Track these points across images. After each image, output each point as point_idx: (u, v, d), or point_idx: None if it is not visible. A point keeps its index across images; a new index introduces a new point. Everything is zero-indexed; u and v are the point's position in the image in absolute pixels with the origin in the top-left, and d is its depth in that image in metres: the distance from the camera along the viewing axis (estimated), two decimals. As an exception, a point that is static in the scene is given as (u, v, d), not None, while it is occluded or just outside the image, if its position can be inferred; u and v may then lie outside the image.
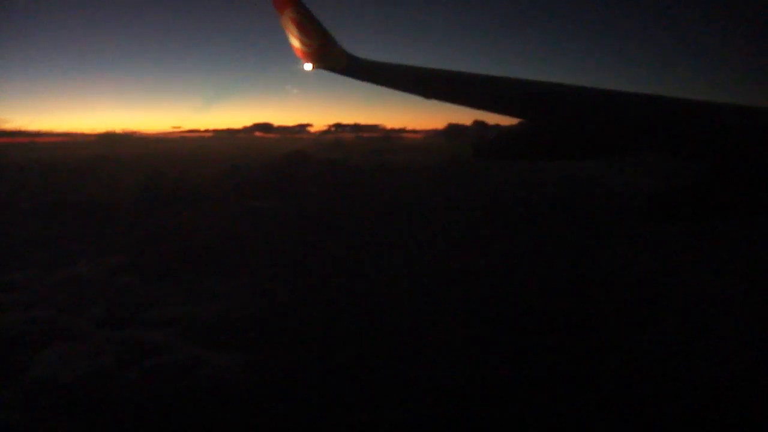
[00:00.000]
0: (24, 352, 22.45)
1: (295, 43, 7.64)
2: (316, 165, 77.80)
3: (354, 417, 17.73)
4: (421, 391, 19.06)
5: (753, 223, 4.20)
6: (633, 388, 18.92)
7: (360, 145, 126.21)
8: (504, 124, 6.10)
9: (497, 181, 56.79)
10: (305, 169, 73.85)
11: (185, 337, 23.93)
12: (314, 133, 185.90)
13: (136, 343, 23.32)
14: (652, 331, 22.85)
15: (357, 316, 25.63)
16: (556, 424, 17.45)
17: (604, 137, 5.35)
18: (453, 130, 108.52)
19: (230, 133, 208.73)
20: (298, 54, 7.71)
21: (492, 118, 6.11)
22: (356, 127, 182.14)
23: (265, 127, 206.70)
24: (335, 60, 7.47)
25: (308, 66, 7.67)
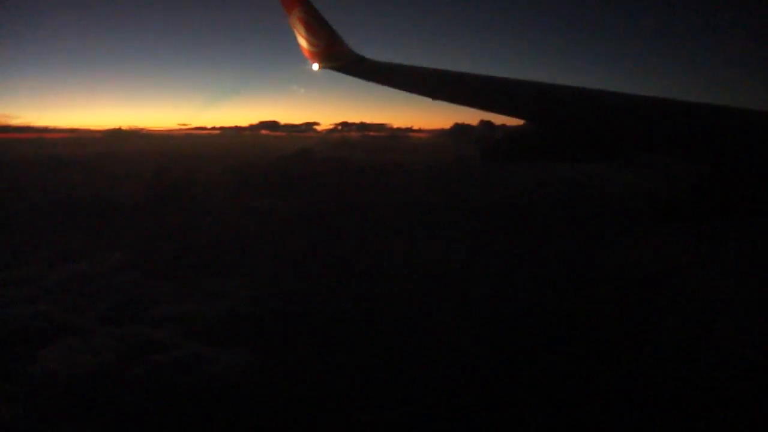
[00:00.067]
0: (27, 348, 22.49)
1: (303, 42, 7.69)
2: (322, 163, 77.87)
3: (354, 417, 17.76)
4: (421, 391, 19.08)
5: (753, 223, 4.21)
6: (633, 388, 18.89)
7: (366, 143, 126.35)
8: (510, 124, 6.09)
9: (501, 181, 56.80)
10: (311, 167, 73.90)
11: (187, 335, 23.98)
12: (321, 132, 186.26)
13: (139, 340, 23.38)
14: (652, 332, 22.79)
15: (358, 316, 25.66)
16: (556, 424, 17.43)
17: (609, 139, 5.35)
18: (459, 129, 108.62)
19: (237, 130, 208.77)
20: (306, 54, 7.76)
21: (498, 119, 6.09)
22: (363, 126, 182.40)
23: (272, 125, 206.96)
24: (342, 60, 7.48)
25: (315, 66, 7.70)
